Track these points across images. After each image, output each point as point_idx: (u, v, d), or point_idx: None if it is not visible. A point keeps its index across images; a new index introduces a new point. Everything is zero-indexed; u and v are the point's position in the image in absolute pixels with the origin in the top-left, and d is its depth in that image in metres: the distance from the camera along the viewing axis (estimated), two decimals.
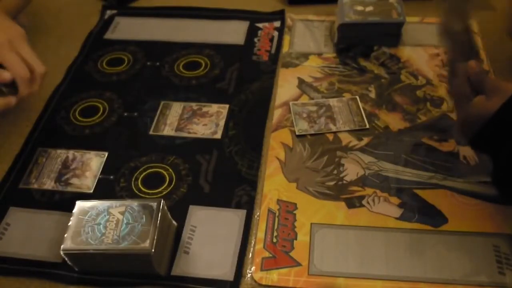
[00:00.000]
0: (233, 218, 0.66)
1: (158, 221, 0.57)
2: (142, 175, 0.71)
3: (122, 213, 0.58)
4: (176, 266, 0.61)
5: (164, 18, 0.98)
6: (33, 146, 0.76)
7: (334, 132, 0.75)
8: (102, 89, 0.85)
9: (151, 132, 0.77)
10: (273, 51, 0.89)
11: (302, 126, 0.76)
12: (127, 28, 0.96)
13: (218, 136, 0.76)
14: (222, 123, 0.78)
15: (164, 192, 0.69)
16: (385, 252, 0.62)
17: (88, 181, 0.71)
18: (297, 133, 0.75)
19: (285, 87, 0.82)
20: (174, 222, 0.64)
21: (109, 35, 0.95)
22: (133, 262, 0.57)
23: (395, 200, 0.67)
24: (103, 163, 0.73)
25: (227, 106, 0.80)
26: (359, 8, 0.86)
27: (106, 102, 0.82)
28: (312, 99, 0.80)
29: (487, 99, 0.58)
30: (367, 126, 0.75)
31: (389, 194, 0.67)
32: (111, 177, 0.71)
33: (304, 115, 0.77)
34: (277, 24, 0.95)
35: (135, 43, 0.93)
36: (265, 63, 0.87)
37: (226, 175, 0.71)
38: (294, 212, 0.66)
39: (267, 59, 0.88)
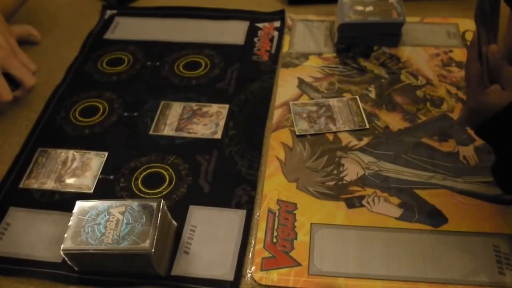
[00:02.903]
0: (233, 218, 0.66)
1: (158, 221, 0.57)
2: (142, 175, 0.71)
3: (122, 213, 0.58)
4: (176, 266, 0.61)
5: (164, 18, 0.98)
6: (33, 146, 0.76)
7: (334, 132, 0.75)
8: (102, 89, 0.85)
9: (151, 132, 0.77)
10: (273, 51, 0.89)
11: (302, 126, 0.76)
12: (127, 28, 0.96)
13: (218, 136, 0.76)
14: (222, 123, 0.78)
15: (164, 192, 0.69)
16: (385, 252, 0.62)
17: (88, 181, 0.71)
18: (297, 133, 0.75)
19: (285, 87, 0.82)
20: (174, 222, 0.64)
21: (109, 35, 0.95)
22: (133, 262, 0.57)
23: (395, 200, 0.67)
24: (103, 163, 0.73)
25: (227, 106, 0.80)
26: (359, 8, 0.86)
27: (106, 102, 0.82)
28: (312, 99, 0.80)
29: (503, 89, 0.56)
30: (367, 126, 0.75)
31: (389, 194, 0.67)
32: (111, 177, 0.71)
33: (304, 115, 0.77)
34: (277, 24, 0.95)
35: (135, 43, 0.93)
36: (265, 63, 0.87)
37: (226, 175, 0.71)
38: (294, 212, 0.66)
39: (267, 59, 0.88)
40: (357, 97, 0.80)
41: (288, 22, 0.95)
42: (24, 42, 0.89)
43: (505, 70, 0.56)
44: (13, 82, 0.74)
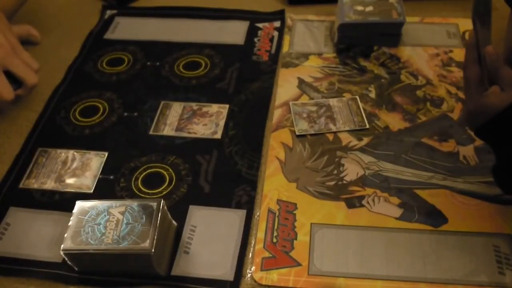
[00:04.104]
0: (233, 218, 0.66)
1: (158, 221, 0.57)
2: (142, 175, 0.71)
3: (122, 213, 0.58)
4: (176, 266, 0.61)
5: (164, 18, 0.98)
6: (33, 146, 0.76)
7: (334, 132, 0.75)
8: (102, 89, 0.85)
9: (151, 132, 0.77)
10: (273, 51, 0.89)
11: (302, 126, 0.76)
12: (127, 28, 0.96)
13: (218, 136, 0.76)
14: (222, 123, 0.78)
15: (164, 192, 0.69)
16: (385, 252, 0.62)
17: (88, 181, 0.71)
18: (297, 133, 0.75)
19: (285, 87, 0.83)
20: (174, 222, 0.64)
21: (109, 35, 0.95)
22: (133, 262, 0.57)
23: (395, 200, 0.67)
24: (103, 163, 0.73)
25: (227, 106, 0.80)
26: (359, 8, 0.86)
27: (106, 102, 0.82)
28: (312, 99, 0.80)
29: (502, 90, 0.56)
30: (367, 126, 0.75)
31: (389, 194, 0.67)
32: (111, 177, 0.71)
33: (304, 115, 0.77)
34: (277, 24, 0.95)
35: (135, 43, 0.93)
36: (265, 63, 0.87)
37: (226, 175, 0.71)
38: (294, 212, 0.66)
39: (267, 59, 0.88)
40: (357, 97, 0.80)
41: (288, 22, 0.95)
42: (24, 42, 0.89)
43: (503, 72, 0.56)
44: (15, 80, 0.74)
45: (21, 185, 0.71)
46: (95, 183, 0.71)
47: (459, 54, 0.86)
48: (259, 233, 0.64)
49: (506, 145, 0.56)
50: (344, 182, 0.69)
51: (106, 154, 0.74)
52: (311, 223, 0.65)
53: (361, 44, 0.88)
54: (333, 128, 0.75)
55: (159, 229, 0.57)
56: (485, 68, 0.57)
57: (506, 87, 0.56)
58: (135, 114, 0.80)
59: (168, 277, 0.60)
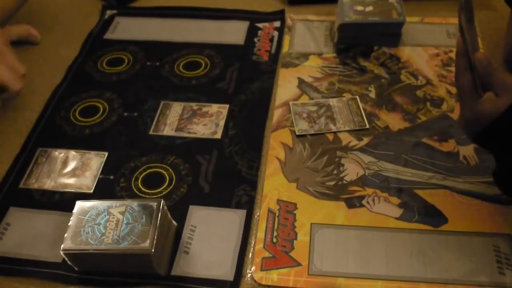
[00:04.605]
0: (233, 218, 0.66)
1: (158, 221, 0.57)
2: (142, 175, 0.71)
3: (122, 213, 0.58)
4: (176, 266, 0.61)
5: (164, 18, 0.98)
6: (33, 146, 0.76)
7: (334, 132, 0.75)
8: (102, 89, 0.85)
9: (151, 132, 0.77)
10: (273, 51, 0.89)
11: (302, 126, 0.76)
12: (127, 28, 0.96)
13: (218, 136, 0.76)
14: (222, 123, 0.78)
15: (164, 192, 0.69)
16: (385, 252, 0.62)
17: (88, 181, 0.71)
18: (297, 133, 0.75)
19: (285, 87, 0.83)
20: (174, 222, 0.64)
21: (109, 35, 0.95)
22: (133, 262, 0.57)
23: (395, 200, 0.67)
24: (103, 163, 0.73)
25: (227, 106, 0.80)
26: (359, 8, 0.86)
27: (106, 102, 0.82)
28: (312, 99, 0.80)
29: (496, 96, 0.55)
30: (367, 126, 0.75)
31: (389, 194, 0.67)
32: (111, 177, 0.71)
33: (304, 115, 0.77)
34: (277, 24, 0.95)
35: (135, 43, 0.93)
36: (265, 63, 0.87)
37: (226, 175, 0.71)
38: (294, 212, 0.66)
39: (267, 59, 0.88)
40: (357, 97, 0.80)
41: (288, 22, 0.95)
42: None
43: (496, 77, 0.56)
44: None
45: (21, 185, 0.71)
46: (95, 183, 0.71)
47: None
48: (259, 233, 0.64)
49: (505, 150, 0.56)
50: (344, 182, 0.69)
51: (106, 154, 0.74)
52: (311, 223, 0.65)
53: (361, 44, 0.88)
54: (333, 128, 0.75)
55: (159, 229, 0.57)
56: (478, 74, 0.57)
57: (500, 92, 0.55)
58: (135, 114, 0.80)
59: (168, 277, 0.60)
